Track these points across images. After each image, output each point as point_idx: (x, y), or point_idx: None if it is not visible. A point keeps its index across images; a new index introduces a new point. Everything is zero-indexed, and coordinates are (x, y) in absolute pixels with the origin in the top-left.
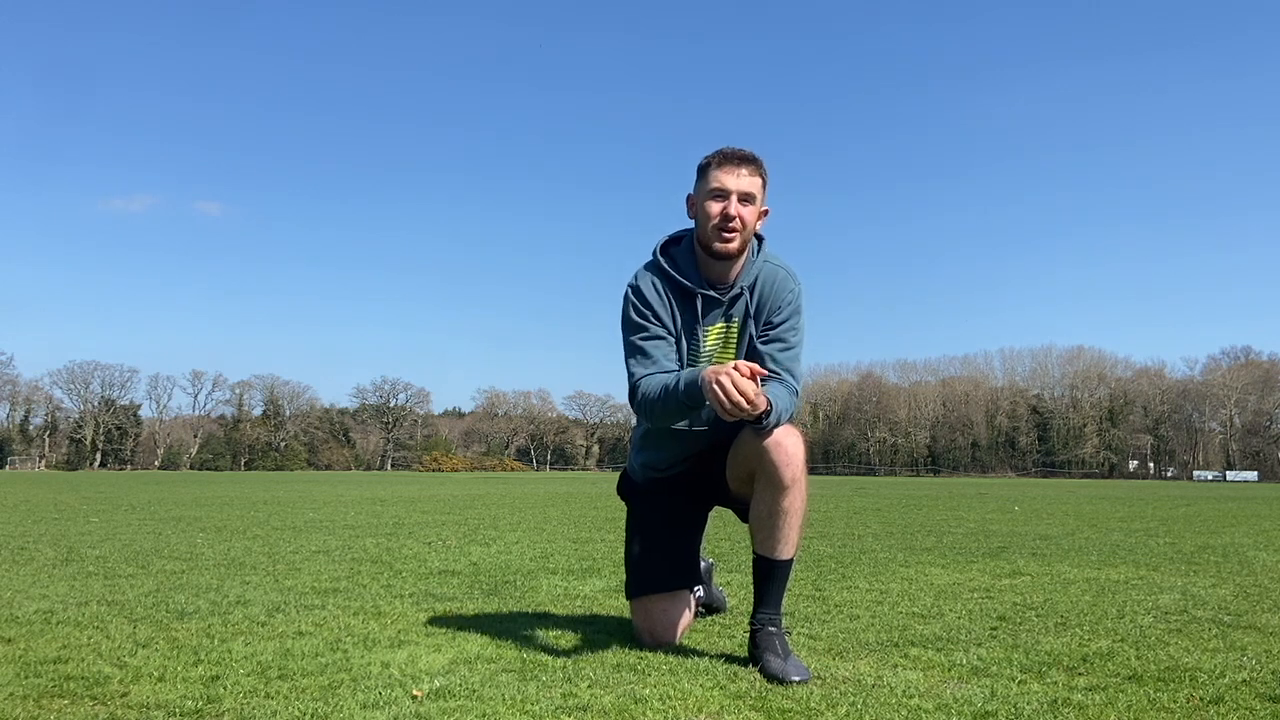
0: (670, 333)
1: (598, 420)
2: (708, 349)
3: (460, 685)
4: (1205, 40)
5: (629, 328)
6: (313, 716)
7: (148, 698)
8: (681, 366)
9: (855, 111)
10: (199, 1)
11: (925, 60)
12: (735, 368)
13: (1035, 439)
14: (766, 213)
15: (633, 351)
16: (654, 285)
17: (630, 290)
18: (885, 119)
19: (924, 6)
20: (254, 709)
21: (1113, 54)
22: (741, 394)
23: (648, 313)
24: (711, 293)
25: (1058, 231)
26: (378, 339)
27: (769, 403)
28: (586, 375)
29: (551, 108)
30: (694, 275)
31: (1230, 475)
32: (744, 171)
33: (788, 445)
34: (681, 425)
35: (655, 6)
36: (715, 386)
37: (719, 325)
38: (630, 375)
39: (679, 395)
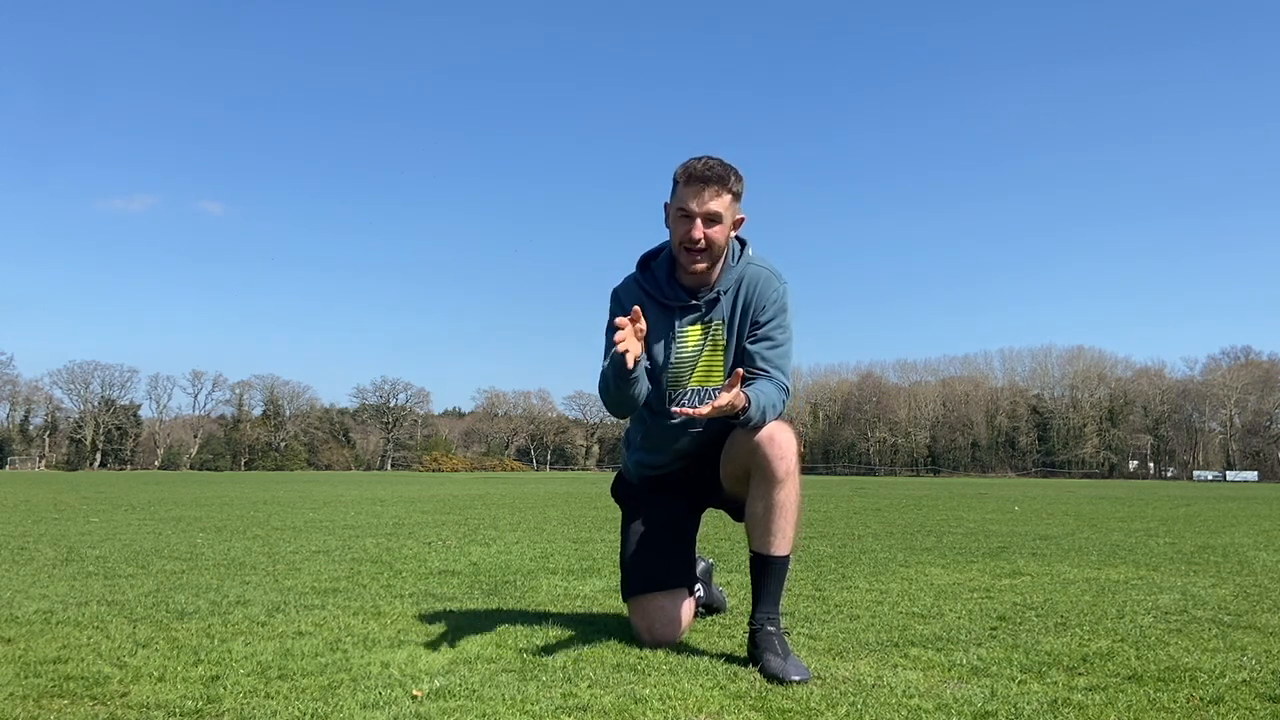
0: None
1: (598, 420)
2: (688, 352)
3: (460, 685)
4: (1205, 40)
5: (607, 330)
6: (313, 716)
7: (148, 698)
8: (657, 369)
9: (855, 111)
10: (199, 1)
11: (924, 59)
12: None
13: (1035, 439)
14: (742, 221)
15: (606, 352)
16: (632, 295)
17: (612, 297)
18: (884, 118)
19: (927, 6)
20: (254, 709)
21: (1113, 54)
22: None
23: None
24: (688, 301)
25: (1058, 231)
26: (378, 339)
27: (748, 399)
28: (586, 375)
29: (551, 108)
30: (669, 287)
31: (1230, 475)
32: (707, 194)
33: (780, 439)
34: (677, 425)
35: (656, 6)
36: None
37: (697, 328)
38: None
39: (607, 372)
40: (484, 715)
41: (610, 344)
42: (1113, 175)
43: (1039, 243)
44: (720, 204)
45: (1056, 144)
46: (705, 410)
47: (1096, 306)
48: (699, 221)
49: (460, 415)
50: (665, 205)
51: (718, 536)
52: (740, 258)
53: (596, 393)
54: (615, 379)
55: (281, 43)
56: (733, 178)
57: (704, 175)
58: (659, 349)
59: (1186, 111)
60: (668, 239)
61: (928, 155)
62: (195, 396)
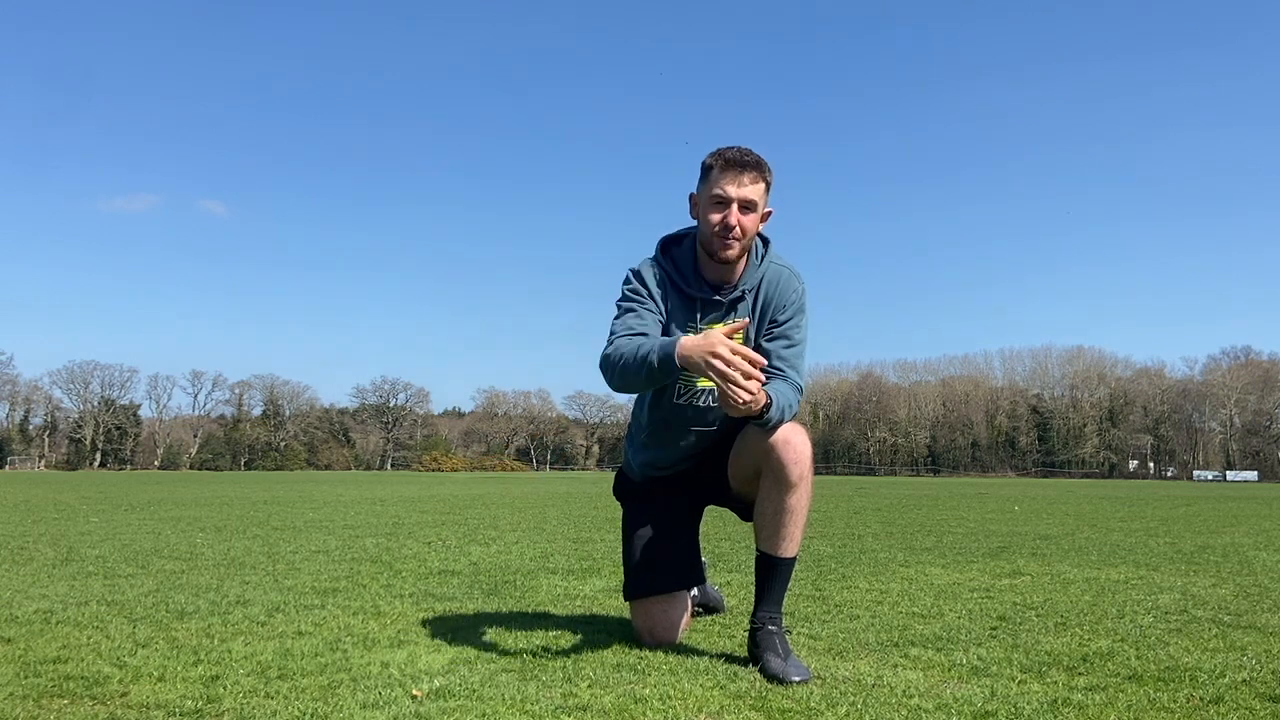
0: (662, 312)
1: (598, 420)
2: None
3: (460, 685)
4: (1206, 40)
5: (622, 298)
6: (313, 716)
7: (148, 698)
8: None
9: (855, 110)
10: (199, 1)
11: (925, 59)
12: (732, 350)
13: (1035, 439)
14: (769, 214)
15: (621, 313)
16: (653, 275)
17: (630, 274)
18: (885, 117)
19: (928, 5)
20: (254, 709)
21: (1113, 54)
22: (745, 375)
23: (644, 291)
24: (712, 296)
25: (1058, 231)
26: (378, 339)
27: (769, 397)
28: (586, 375)
29: (553, 107)
30: (694, 278)
31: (1230, 475)
32: (746, 179)
33: (795, 442)
34: (687, 424)
35: (656, 3)
36: (717, 361)
37: (721, 326)
38: (611, 333)
39: (651, 361)
40: (484, 715)
41: (634, 305)
42: (1112, 175)
43: (1038, 243)
44: (756, 191)
45: (1056, 144)
46: (754, 377)
47: (1096, 306)
48: (735, 207)
49: (460, 415)
50: (691, 196)
51: (718, 536)
52: (764, 257)
53: (600, 370)
54: (652, 373)
55: (282, 43)
56: (766, 167)
57: (742, 161)
58: (675, 334)
59: (1187, 111)
60: (688, 228)
61: (927, 156)
62: (195, 396)
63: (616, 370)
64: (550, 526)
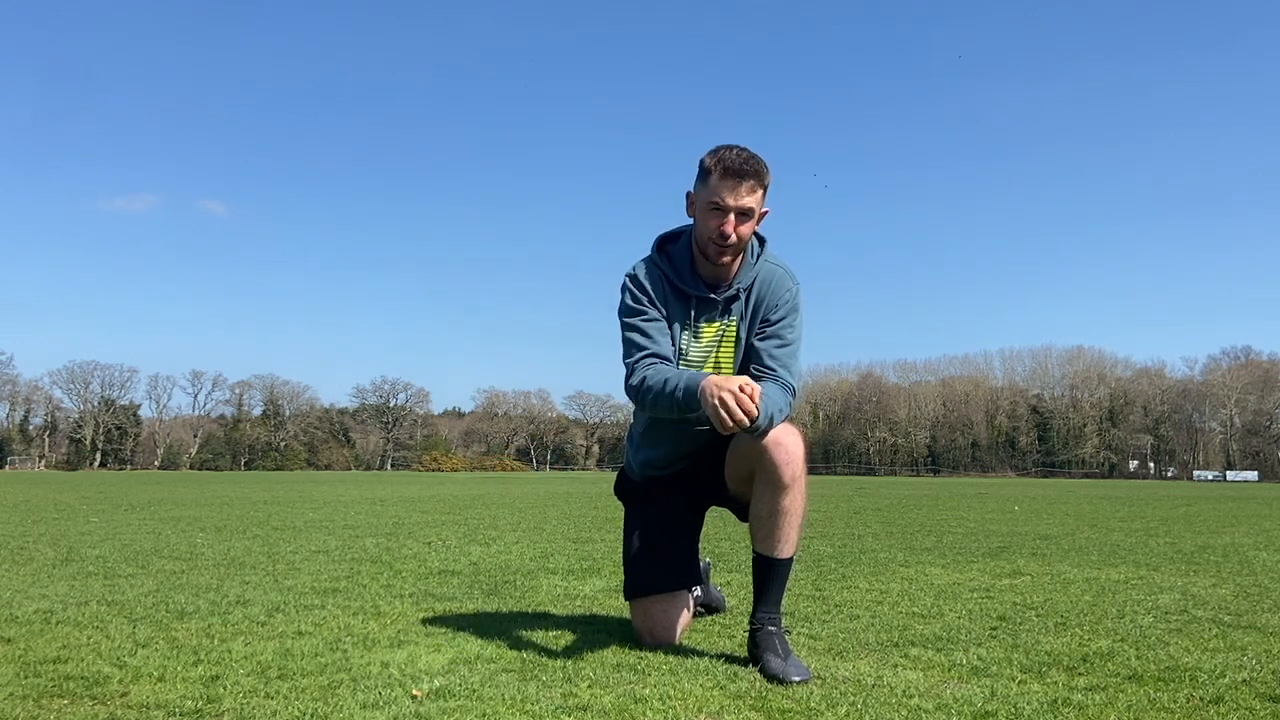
0: (666, 318)
1: (598, 420)
2: (704, 345)
3: (460, 685)
4: (1206, 41)
5: (626, 312)
6: (313, 716)
7: (148, 698)
8: (677, 358)
9: (855, 110)
10: (199, 1)
11: (927, 58)
12: (741, 387)
13: (1035, 439)
14: (766, 214)
15: (631, 330)
16: (650, 277)
17: (628, 279)
18: (885, 117)
19: (928, 4)
20: (254, 709)
21: (1113, 54)
22: (745, 412)
23: (644, 298)
24: (708, 295)
25: (1057, 231)
26: (378, 339)
27: (758, 409)
28: (586, 375)
29: (553, 106)
30: (690, 276)
31: (1230, 475)
32: (744, 189)
33: (787, 444)
34: (684, 424)
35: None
36: (717, 404)
37: (716, 324)
38: (627, 354)
39: (677, 397)
40: (484, 715)
41: (643, 324)
42: (1112, 175)
43: (1038, 243)
44: (754, 200)
45: (1056, 144)
46: (750, 410)
47: (1096, 306)
48: (732, 216)
49: (460, 415)
50: (689, 194)
51: (718, 536)
52: (759, 256)
53: (629, 397)
54: (679, 407)
55: (282, 43)
56: (765, 172)
57: (740, 170)
58: (677, 336)
59: (1187, 111)
60: (686, 225)
61: (927, 156)
62: (195, 396)
63: (647, 403)
64: (550, 526)
